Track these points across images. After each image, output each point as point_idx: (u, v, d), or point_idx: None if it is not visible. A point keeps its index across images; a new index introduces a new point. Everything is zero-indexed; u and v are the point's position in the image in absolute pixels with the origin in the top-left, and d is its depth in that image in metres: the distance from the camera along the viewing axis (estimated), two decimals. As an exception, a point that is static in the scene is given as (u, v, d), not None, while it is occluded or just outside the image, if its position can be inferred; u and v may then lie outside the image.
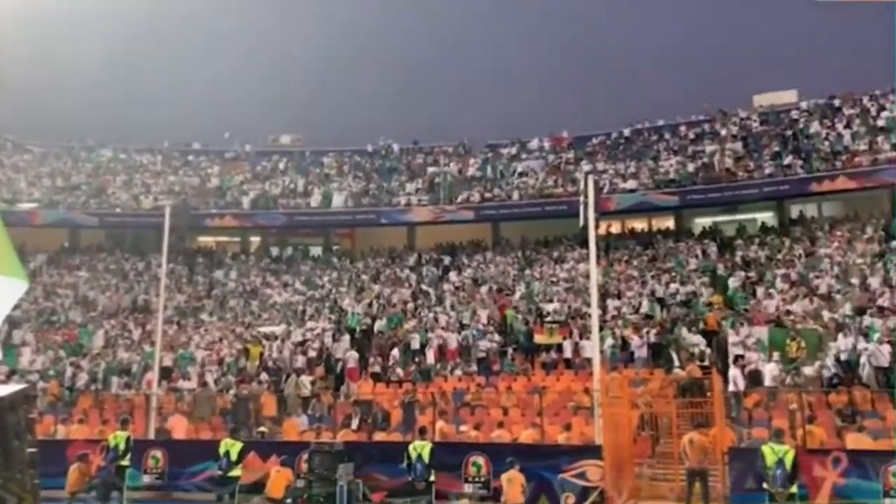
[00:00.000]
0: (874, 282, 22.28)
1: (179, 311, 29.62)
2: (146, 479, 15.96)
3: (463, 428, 16.75)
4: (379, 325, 25.80)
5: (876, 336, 18.05)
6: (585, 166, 34.09)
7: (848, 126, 31.04)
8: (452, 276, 30.79)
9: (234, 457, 14.17)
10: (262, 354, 24.19)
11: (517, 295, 27.44)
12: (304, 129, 46.18)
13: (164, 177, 39.07)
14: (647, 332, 21.45)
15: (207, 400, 20.81)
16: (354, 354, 23.41)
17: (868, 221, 27.44)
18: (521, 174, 35.89)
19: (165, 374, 21.83)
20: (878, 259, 23.98)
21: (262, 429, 17.45)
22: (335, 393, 21.06)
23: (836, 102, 33.38)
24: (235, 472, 14.17)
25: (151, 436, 17.64)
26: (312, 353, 24.18)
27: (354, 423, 18.02)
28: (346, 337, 24.94)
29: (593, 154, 36.73)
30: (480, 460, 13.86)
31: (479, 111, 53.97)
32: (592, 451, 13.37)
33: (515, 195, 33.82)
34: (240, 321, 28.35)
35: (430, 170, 37.64)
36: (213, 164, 41.01)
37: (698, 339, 20.58)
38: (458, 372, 22.22)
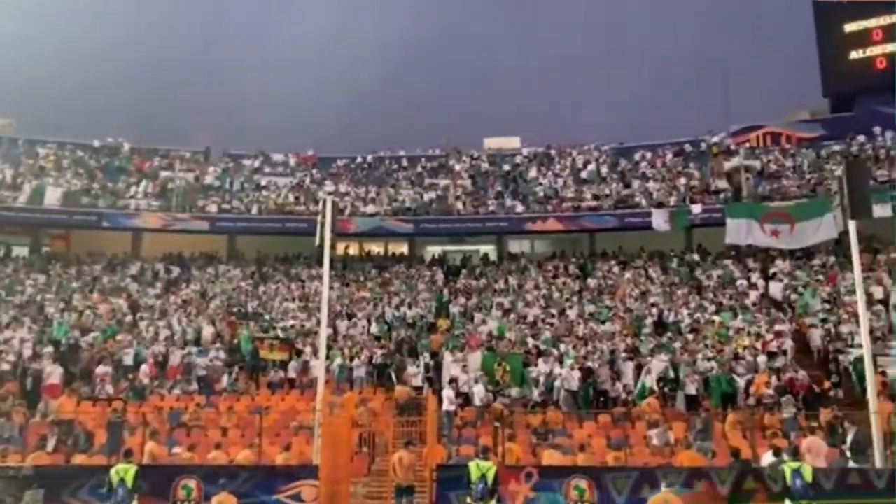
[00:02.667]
0: (572, 313, 25.25)
1: None
2: None
3: (176, 450, 15.89)
4: (89, 337, 23.59)
5: (570, 362, 20.45)
6: (329, 186, 34.50)
7: (559, 175, 34.98)
8: (181, 288, 29.22)
9: None
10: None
11: (249, 311, 26.83)
12: (18, 112, 41.07)
13: None
14: (373, 353, 22.11)
15: None
16: (58, 369, 21.15)
17: (570, 260, 31.06)
18: (262, 188, 35.26)
19: None
20: (577, 294, 27.22)
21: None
22: (31, 411, 18.83)
23: (552, 152, 37.49)
24: None
25: None
26: (6, 366, 21.45)
27: (50, 445, 16.27)
28: (49, 349, 22.47)
29: (337, 175, 37.28)
30: (191, 483, 13.23)
31: (222, 120, 52.25)
32: (309, 470, 13.44)
33: (255, 209, 33.10)
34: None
35: (164, 174, 35.47)
36: None
37: (420, 360, 21.68)
38: (177, 391, 21.07)
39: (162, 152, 38.28)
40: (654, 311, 24.81)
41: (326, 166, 38.25)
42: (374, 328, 24.84)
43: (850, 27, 36.04)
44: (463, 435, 17.58)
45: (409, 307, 26.54)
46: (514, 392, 19.86)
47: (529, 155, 37.96)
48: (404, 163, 38.39)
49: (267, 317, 26.15)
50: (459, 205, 33.06)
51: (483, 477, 11.38)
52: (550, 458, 14.74)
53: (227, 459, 15.20)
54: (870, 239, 27.00)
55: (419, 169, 37.44)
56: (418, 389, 19.26)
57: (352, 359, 22.09)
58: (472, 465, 11.68)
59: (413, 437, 14.83)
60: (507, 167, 36.90)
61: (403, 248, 35.35)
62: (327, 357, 20.37)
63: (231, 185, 35.34)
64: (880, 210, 25.21)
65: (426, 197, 33.82)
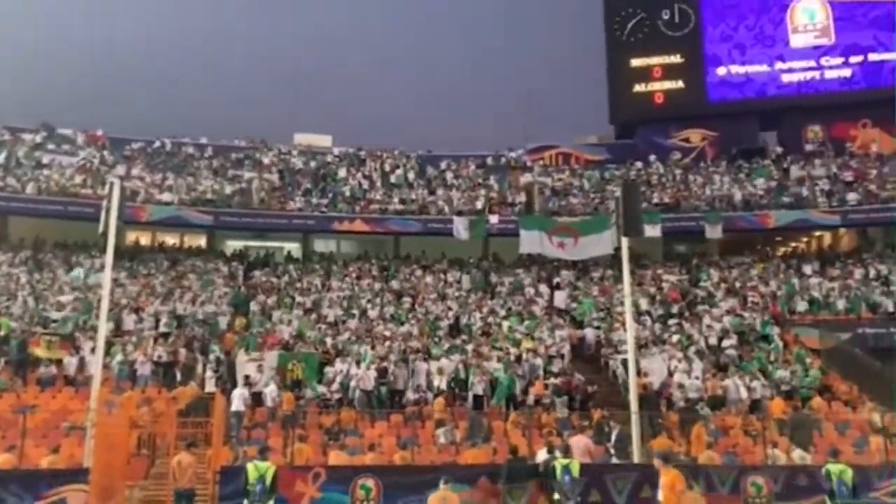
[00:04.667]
0: (373, 314, 25.58)
1: None
2: None
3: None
4: None
5: (366, 362, 20.69)
6: (120, 170, 32.16)
7: (368, 177, 35.29)
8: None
9: None
10: None
11: (19, 300, 24.34)
12: None
13: None
14: (159, 351, 20.96)
15: None
16: None
17: (374, 261, 31.41)
18: (43, 166, 32.09)
19: None
20: (379, 295, 27.59)
21: None
22: None
23: (363, 154, 37.73)
24: None
25: None
26: None
27: None
28: None
29: (131, 159, 34.81)
30: (-66, 492, 11.83)
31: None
32: (77, 474, 12.51)
33: (31, 188, 30.00)
34: None
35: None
36: None
37: (211, 359, 20.89)
38: (-76, 387, 18.62)
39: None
40: (451, 314, 25.79)
41: (119, 148, 35.58)
42: (163, 324, 23.54)
43: (635, 63, 39.81)
44: (252, 436, 17.18)
45: (203, 303, 25.46)
46: (309, 392, 19.75)
47: (340, 155, 37.92)
48: (207, 151, 36.74)
49: (41, 307, 23.87)
50: (264, 199, 32.26)
51: (261, 478, 11.22)
52: (338, 458, 14.85)
53: (-22, 464, 13.71)
54: (640, 256, 30.01)
55: (223, 159, 36.01)
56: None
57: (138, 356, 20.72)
58: (250, 466, 11.49)
59: (197, 439, 14.28)
60: (316, 165, 36.58)
61: (201, 242, 33.81)
62: (108, 353, 19.09)
63: (7, 160, 31.80)
64: (651, 230, 28.09)
65: (229, 189, 32.62)
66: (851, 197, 31.42)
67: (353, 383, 19.87)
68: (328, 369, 20.64)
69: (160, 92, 56.78)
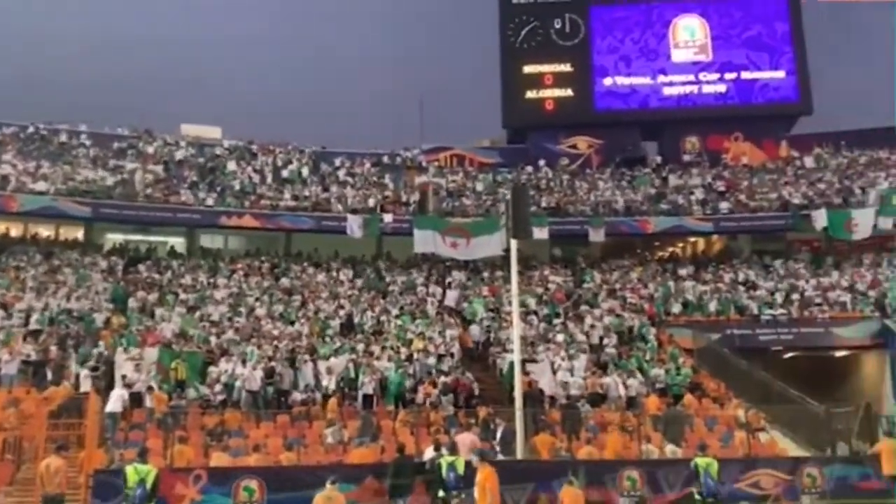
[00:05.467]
0: (261, 313, 25.04)
1: None
2: None
3: None
4: None
5: (252, 361, 20.26)
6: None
7: (259, 171, 34.51)
8: None
9: None
10: None
11: None
12: None
13: None
14: (29, 349, 19.76)
15: None
16: None
17: (264, 258, 30.74)
18: None
19: None
20: (268, 293, 27.04)
21: None
22: None
23: (254, 148, 36.86)
24: None
25: None
26: None
27: None
28: None
29: (2, 144, 32.56)
30: None
31: None
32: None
33: None
34: None
35: None
36: None
37: (86, 357, 19.87)
38: None
39: None
40: (343, 313, 25.63)
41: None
42: (34, 321, 22.16)
43: (528, 69, 40.83)
44: (130, 438, 16.48)
45: (79, 299, 24.17)
46: (192, 392, 19.16)
47: (230, 147, 36.86)
48: (86, 140, 34.85)
49: None
50: (148, 191, 30.94)
51: (142, 481, 10.84)
52: (220, 459, 14.51)
53: None
54: (529, 258, 30.88)
55: (104, 148, 34.25)
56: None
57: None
58: (129, 469, 11.08)
59: (70, 442, 13.60)
60: (204, 157, 35.42)
61: (78, 234, 32.03)
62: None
63: None
64: (539, 233, 29.01)
65: (110, 180, 31.06)
66: (723, 206, 33.49)
67: (238, 383, 19.45)
68: (212, 369, 20.09)
69: (33, 74, 53.31)
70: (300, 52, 68.91)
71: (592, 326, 25.00)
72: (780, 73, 40.06)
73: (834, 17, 53.25)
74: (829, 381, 26.68)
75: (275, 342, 22.04)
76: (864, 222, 30.01)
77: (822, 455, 17.33)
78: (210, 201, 31.13)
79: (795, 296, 28.22)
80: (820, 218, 30.66)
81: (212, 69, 63.53)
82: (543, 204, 33.23)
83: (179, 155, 35.07)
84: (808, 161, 37.77)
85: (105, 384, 18.84)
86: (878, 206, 30.96)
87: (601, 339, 24.26)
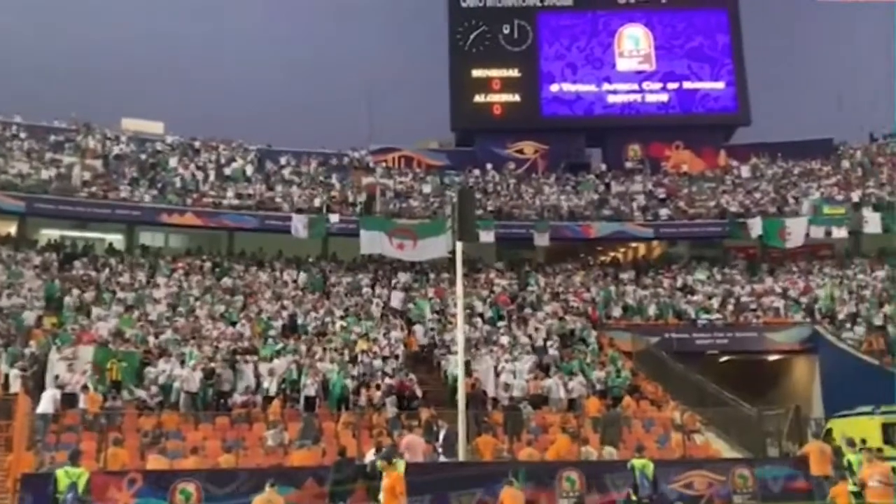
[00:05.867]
0: (201, 313, 24.56)
1: None
2: None
3: None
4: None
5: (192, 363, 19.85)
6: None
7: (202, 168, 33.87)
8: None
9: None
10: None
11: None
12: None
13: None
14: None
15: None
16: None
17: (206, 257, 30.17)
18: None
19: None
20: (209, 292, 26.54)
21: None
22: None
23: (197, 144, 36.16)
24: None
25: None
26: None
27: None
28: None
29: (-71, 135, 31.30)
30: None
31: None
32: None
33: None
34: None
35: None
36: None
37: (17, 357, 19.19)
38: None
39: None
40: (286, 314, 25.33)
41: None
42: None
43: (476, 73, 41.11)
44: (62, 440, 15.98)
45: (10, 297, 23.33)
46: (128, 393, 18.69)
47: (173, 143, 36.10)
48: (20, 132, 33.65)
49: None
50: (86, 187, 30.05)
51: (73, 485, 10.55)
52: (157, 462, 14.21)
53: None
54: (475, 260, 31.08)
55: (40, 141, 33.14)
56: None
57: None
58: (59, 472, 10.77)
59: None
60: (146, 153, 34.59)
61: (11, 229, 30.84)
62: None
63: None
64: (485, 236, 29.25)
65: (45, 174, 30.08)
66: (663, 212, 34.32)
67: (176, 384, 19.05)
68: (149, 369, 19.62)
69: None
70: (249, 50, 67.82)
71: (536, 329, 25.28)
72: (720, 84, 41.28)
73: (773, 31, 55.24)
74: (762, 384, 27.57)
75: (215, 343, 21.64)
76: (797, 231, 31.12)
77: (754, 456, 17.88)
78: (150, 198, 30.42)
79: (731, 301, 29.08)
80: (755, 226, 31.69)
81: (156, 64, 62.05)
82: (490, 207, 33.49)
83: (119, 150, 34.18)
84: (745, 171, 39.04)
85: (35, 385, 18.23)
86: (811, 216, 32.19)
87: (544, 341, 24.56)
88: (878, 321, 27.00)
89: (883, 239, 32.40)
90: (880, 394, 21.01)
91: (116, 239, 31.71)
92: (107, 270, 27.32)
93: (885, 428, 17.35)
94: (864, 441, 18.20)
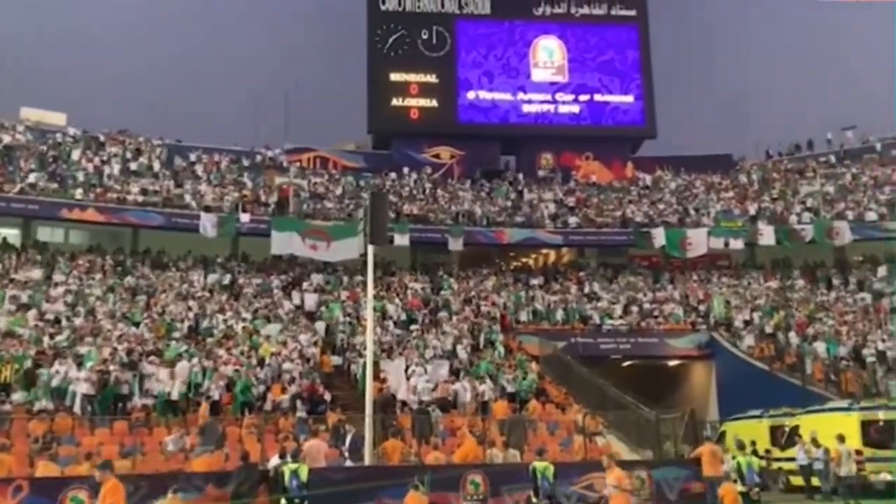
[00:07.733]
0: (101, 313, 23.59)
1: None
2: None
3: None
4: None
5: (90, 364, 19.04)
6: None
7: (106, 162, 32.56)
8: None
9: None
10: None
11: None
12: None
13: None
14: None
15: None
16: None
17: (108, 255, 29.01)
18: None
19: None
20: (111, 292, 25.52)
21: None
22: None
23: (102, 137, 34.74)
24: None
25: None
26: None
27: None
28: None
29: None
30: None
31: None
32: None
33: None
34: None
35: None
36: None
37: None
38: None
39: None
40: (191, 315, 24.66)
41: None
42: None
43: (394, 77, 41.11)
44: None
45: None
46: (19, 396, 17.79)
47: (76, 135, 34.55)
48: None
49: None
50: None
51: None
52: (47, 469, 13.57)
53: None
54: (389, 263, 31.09)
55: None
56: None
57: None
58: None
59: None
60: (45, 145, 32.96)
61: None
62: None
63: None
64: (400, 239, 29.31)
65: (-68, 163, 28.30)
66: (572, 220, 35.28)
67: (72, 387, 18.24)
68: (42, 371, 18.71)
69: None
70: (162, 45, 65.55)
71: (444, 333, 25.49)
72: (629, 98, 42.73)
73: (679, 49, 57.63)
74: (663, 388, 28.74)
75: (115, 344, 20.83)
76: (697, 241, 32.56)
77: (651, 459, 18.56)
78: (50, 191, 29.02)
79: (634, 308, 30.17)
80: (658, 236, 32.98)
81: (60, 56, 59.22)
82: (406, 211, 33.56)
83: (16, 140, 32.46)
84: (650, 182, 40.54)
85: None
86: (711, 227, 33.75)
87: (454, 345, 24.79)
88: (769, 329, 28.59)
89: (776, 251, 34.30)
90: (770, 398, 22.27)
91: (12, 234, 30.10)
92: (0, 266, 25.91)
93: (864, 425, 17.41)
94: (753, 443, 19.34)
